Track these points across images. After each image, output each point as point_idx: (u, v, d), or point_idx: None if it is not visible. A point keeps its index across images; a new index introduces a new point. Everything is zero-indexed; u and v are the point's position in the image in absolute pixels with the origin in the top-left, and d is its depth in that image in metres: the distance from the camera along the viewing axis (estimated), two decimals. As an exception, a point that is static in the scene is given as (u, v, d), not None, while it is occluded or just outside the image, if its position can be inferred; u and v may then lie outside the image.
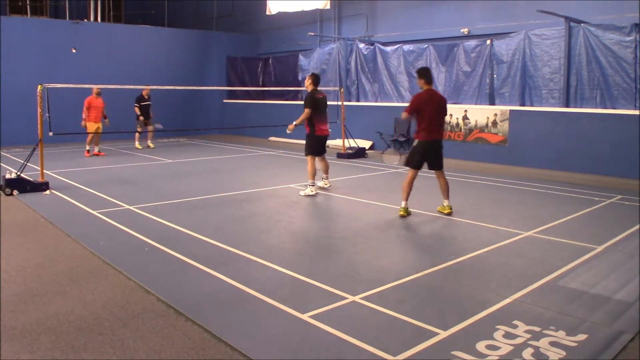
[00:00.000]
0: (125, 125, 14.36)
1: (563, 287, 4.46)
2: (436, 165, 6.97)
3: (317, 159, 8.56)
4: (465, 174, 10.35)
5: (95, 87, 12.64)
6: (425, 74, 6.90)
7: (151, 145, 15.07)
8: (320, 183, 8.85)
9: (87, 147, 13.12)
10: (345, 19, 17.21)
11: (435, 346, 3.38)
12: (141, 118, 14.57)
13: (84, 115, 12.71)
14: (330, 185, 8.90)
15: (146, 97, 14.54)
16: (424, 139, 6.82)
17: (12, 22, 16.11)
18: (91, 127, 12.72)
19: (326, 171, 8.89)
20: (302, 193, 8.33)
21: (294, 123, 8.37)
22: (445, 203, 7.04)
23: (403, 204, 6.92)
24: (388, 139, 14.16)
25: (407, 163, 7.00)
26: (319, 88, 8.55)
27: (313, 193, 8.28)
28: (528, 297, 4.20)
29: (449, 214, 6.97)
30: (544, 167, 11.37)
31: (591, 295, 4.31)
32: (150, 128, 14.80)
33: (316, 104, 8.25)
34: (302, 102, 8.39)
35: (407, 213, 6.90)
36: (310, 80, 8.45)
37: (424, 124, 6.76)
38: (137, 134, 14.91)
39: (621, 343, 3.47)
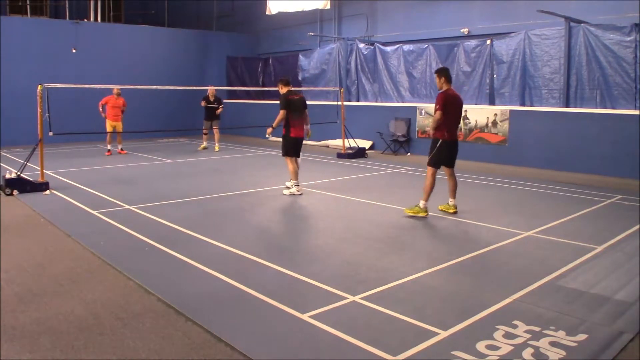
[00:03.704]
0: (126, 125, 14.34)
1: (563, 287, 4.46)
2: (451, 163, 7.02)
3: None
4: (465, 174, 10.34)
5: (115, 88, 12.72)
6: (445, 73, 6.91)
7: (217, 147, 14.53)
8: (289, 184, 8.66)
9: (108, 147, 13.26)
10: (345, 19, 17.21)
11: (435, 346, 3.38)
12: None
13: (100, 109, 12.82)
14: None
15: (212, 98, 14.21)
16: (449, 139, 6.84)
17: (12, 22, 16.11)
18: (108, 125, 12.83)
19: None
20: (286, 192, 8.34)
21: (272, 126, 8.32)
22: (451, 202, 7.08)
23: (422, 203, 6.84)
24: (388, 139, 14.16)
25: (435, 163, 6.90)
26: (293, 89, 8.59)
27: (299, 193, 8.30)
28: (528, 297, 4.20)
29: (454, 213, 7.02)
30: (544, 167, 11.37)
31: (591, 295, 4.31)
32: (216, 130, 14.39)
33: (289, 105, 8.25)
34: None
35: (427, 213, 6.86)
36: (280, 85, 8.49)
37: (450, 123, 6.81)
38: (204, 135, 14.80)
39: (621, 343, 3.47)
